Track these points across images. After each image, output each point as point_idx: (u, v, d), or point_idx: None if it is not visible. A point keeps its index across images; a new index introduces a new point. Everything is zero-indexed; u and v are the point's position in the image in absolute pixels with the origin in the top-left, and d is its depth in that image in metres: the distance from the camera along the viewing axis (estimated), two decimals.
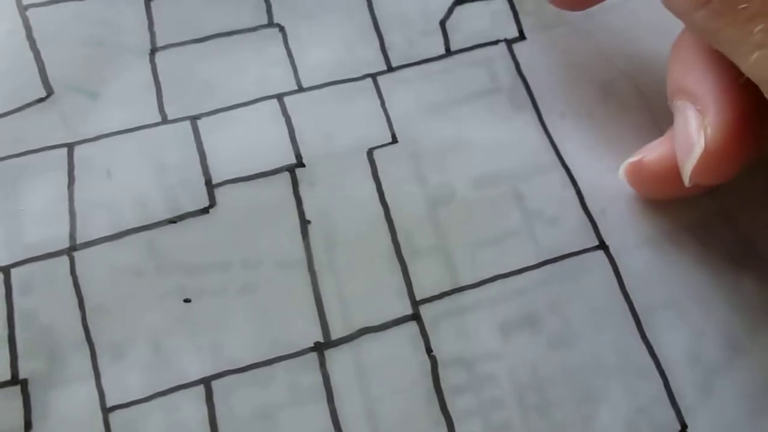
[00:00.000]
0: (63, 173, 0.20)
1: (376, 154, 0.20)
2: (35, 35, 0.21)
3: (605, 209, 0.20)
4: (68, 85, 0.21)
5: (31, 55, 0.21)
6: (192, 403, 0.17)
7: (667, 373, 0.18)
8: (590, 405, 0.18)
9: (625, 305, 0.19)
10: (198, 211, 0.19)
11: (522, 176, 0.20)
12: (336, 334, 0.18)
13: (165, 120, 0.20)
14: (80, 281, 0.18)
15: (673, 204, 0.20)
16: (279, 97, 0.21)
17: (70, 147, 0.20)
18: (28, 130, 0.20)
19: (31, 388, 0.17)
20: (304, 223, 0.19)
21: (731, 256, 0.19)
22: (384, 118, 0.21)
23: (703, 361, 0.18)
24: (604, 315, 0.18)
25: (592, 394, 0.18)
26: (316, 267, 0.19)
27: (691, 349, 0.18)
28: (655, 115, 0.21)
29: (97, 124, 0.20)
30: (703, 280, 0.19)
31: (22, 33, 0.21)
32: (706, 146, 0.16)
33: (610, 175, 0.20)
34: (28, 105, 0.20)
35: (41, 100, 0.21)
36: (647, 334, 0.18)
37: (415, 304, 0.18)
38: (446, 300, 0.19)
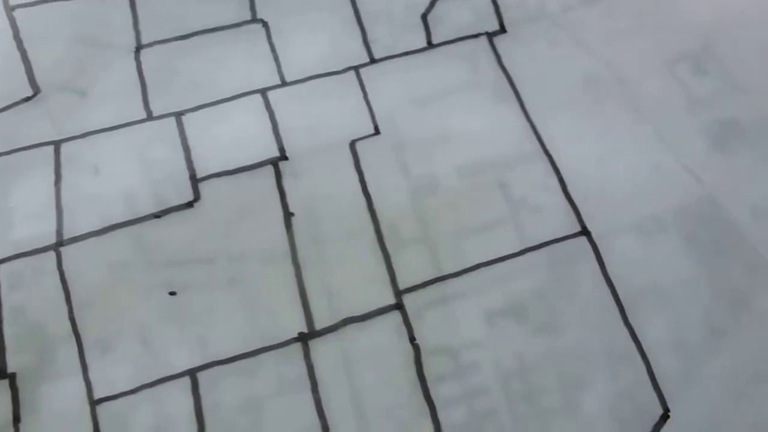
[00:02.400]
0: (50, 170, 0.20)
1: (359, 145, 0.20)
2: (22, 35, 0.22)
3: (588, 196, 0.20)
4: (55, 84, 0.21)
5: (18, 54, 0.21)
6: (178, 395, 0.17)
7: (650, 358, 0.18)
8: (575, 391, 0.18)
9: (608, 291, 0.19)
10: (183, 205, 0.19)
11: (505, 165, 0.20)
12: (320, 324, 0.18)
13: (150, 116, 0.21)
14: (67, 276, 0.19)
15: (656, 188, 0.20)
16: (262, 91, 0.21)
17: (57, 144, 0.20)
18: (16, 129, 0.20)
19: (20, 382, 0.18)
20: (288, 215, 0.19)
21: (715, 241, 0.19)
22: (367, 110, 0.21)
23: (686, 347, 0.18)
24: (588, 301, 0.18)
25: (577, 380, 0.18)
26: (300, 259, 0.19)
27: (674, 335, 0.18)
28: (636, 103, 0.21)
29: (83, 121, 0.21)
30: (686, 265, 0.19)
31: (9, 33, 0.22)
32: None
33: (592, 162, 0.20)
34: (16, 104, 0.21)
35: (28, 98, 0.21)
36: (630, 320, 0.18)
37: (399, 293, 0.19)
38: (430, 289, 0.19)
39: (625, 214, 0.19)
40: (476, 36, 0.22)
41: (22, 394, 0.17)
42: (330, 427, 0.17)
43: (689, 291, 0.18)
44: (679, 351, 0.18)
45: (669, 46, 0.22)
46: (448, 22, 0.22)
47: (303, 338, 0.18)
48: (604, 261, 0.19)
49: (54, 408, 0.17)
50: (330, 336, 0.18)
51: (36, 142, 0.20)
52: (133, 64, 0.21)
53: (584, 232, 0.19)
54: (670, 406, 0.17)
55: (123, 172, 0.20)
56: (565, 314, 0.18)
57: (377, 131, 0.21)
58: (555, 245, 0.19)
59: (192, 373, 0.18)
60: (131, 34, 0.22)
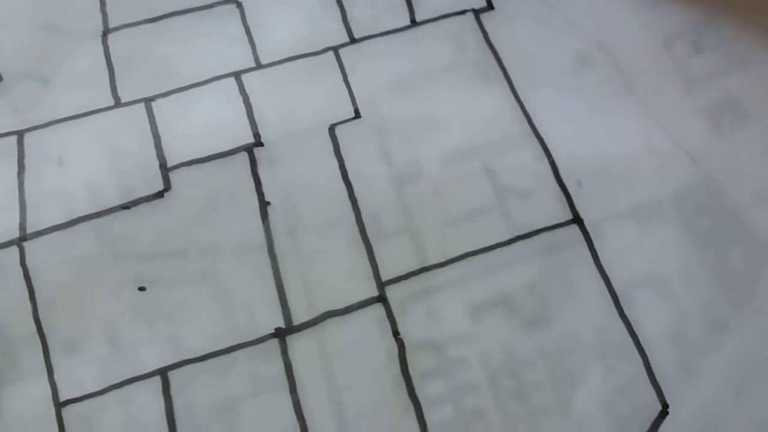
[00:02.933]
0: (13, 161, 0.19)
1: (339, 130, 0.19)
2: None
3: (581, 181, 0.19)
4: (19, 72, 0.20)
5: None
6: (148, 396, 0.17)
7: (647, 352, 0.17)
8: (568, 387, 0.17)
9: (603, 282, 0.18)
10: (152, 195, 0.19)
11: (493, 150, 0.19)
12: (298, 319, 0.17)
13: (118, 103, 0.20)
14: (31, 273, 0.18)
15: (653, 173, 0.19)
16: (237, 75, 0.20)
17: (20, 134, 0.19)
18: None
19: None
20: (264, 204, 0.19)
21: (715, 227, 0.18)
22: (346, 93, 0.20)
23: (685, 340, 0.17)
24: (581, 292, 0.18)
25: (570, 375, 0.17)
26: (277, 250, 0.18)
27: (672, 327, 0.17)
28: (630, 83, 0.20)
29: (48, 110, 0.20)
30: (685, 255, 0.18)
31: None
32: None
33: (585, 145, 0.19)
34: None
35: None
36: (626, 312, 0.17)
37: (381, 285, 0.18)
38: (413, 280, 0.18)
39: (620, 200, 0.18)
40: (462, 13, 0.21)
41: None
42: (309, 428, 0.16)
43: (688, 281, 0.18)
44: (678, 344, 0.17)
45: (664, 21, 0.21)
46: None
47: (280, 334, 0.17)
48: (597, 250, 0.18)
49: (17, 411, 0.17)
50: (308, 331, 0.17)
51: None
52: (101, 49, 0.20)
53: (576, 219, 0.18)
54: (669, 401, 0.16)
55: (89, 162, 0.19)
56: (557, 306, 0.17)
57: (358, 115, 0.20)
58: (546, 233, 0.18)
59: (163, 373, 0.17)
60: (98, 17, 0.21)
